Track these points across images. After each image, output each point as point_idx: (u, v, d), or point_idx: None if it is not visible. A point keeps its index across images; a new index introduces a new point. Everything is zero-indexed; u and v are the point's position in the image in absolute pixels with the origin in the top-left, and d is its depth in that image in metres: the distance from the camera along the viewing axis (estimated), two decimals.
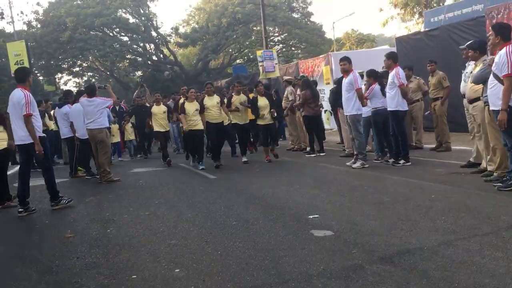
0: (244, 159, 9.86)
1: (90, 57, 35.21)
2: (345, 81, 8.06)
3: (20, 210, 6.19)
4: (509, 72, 5.15)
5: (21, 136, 6.16)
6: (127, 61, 36.36)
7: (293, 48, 38.67)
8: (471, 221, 4.27)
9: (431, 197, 5.32)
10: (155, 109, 11.36)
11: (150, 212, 5.78)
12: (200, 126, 9.45)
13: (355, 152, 8.05)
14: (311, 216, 4.88)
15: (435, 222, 4.34)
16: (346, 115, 8.27)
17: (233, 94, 10.93)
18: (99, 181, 8.66)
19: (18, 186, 6.33)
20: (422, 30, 17.95)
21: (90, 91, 8.37)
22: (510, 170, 5.48)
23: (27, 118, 6.03)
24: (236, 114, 10.35)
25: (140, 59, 35.82)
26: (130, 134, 13.65)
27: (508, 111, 5.19)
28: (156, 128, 11.32)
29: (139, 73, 39.49)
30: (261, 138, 10.38)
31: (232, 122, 10.53)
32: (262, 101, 9.64)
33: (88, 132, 8.42)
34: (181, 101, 10.21)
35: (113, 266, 3.85)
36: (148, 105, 12.39)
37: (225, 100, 10.34)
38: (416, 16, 24.38)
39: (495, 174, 5.96)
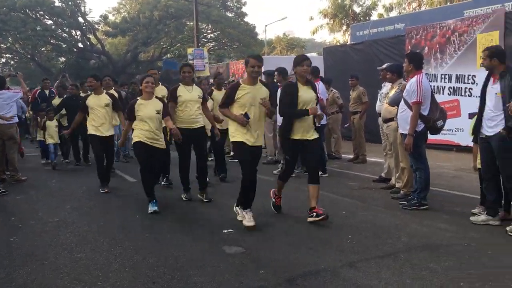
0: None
1: (9, 39, 33.10)
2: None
3: None
4: (418, 100, 5.50)
5: None
6: (50, 46, 34.52)
7: (225, 47, 38.64)
8: (374, 241, 4.51)
9: (342, 214, 5.56)
10: (92, 100, 7.31)
11: (59, 219, 5.52)
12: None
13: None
14: (225, 231, 4.92)
15: (342, 241, 4.53)
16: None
17: (213, 88, 8.52)
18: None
19: None
20: (349, 42, 18.66)
21: None
22: (415, 190, 5.85)
23: None
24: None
25: (64, 45, 34.13)
26: (53, 136, 9.74)
27: (414, 135, 5.55)
28: (92, 131, 7.23)
29: (62, 59, 37.66)
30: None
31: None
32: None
33: None
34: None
35: (13, 282, 3.65)
36: (82, 95, 9.25)
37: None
38: (344, 27, 25.29)
39: (401, 191, 6.35)
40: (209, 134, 7.18)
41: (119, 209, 5.99)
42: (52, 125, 9.82)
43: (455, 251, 4.20)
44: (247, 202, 5.11)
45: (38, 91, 12.20)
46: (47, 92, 11.96)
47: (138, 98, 6.07)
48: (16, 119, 8.04)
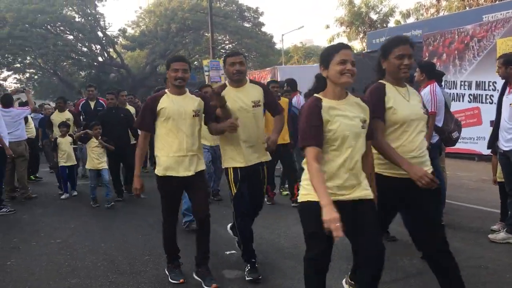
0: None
1: (32, 55, 33.74)
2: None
3: None
4: (432, 110, 5.21)
5: None
6: (71, 61, 35.06)
7: (245, 54, 38.50)
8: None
9: None
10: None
11: (61, 240, 5.40)
12: None
13: None
14: (228, 252, 4.71)
15: (346, 264, 4.27)
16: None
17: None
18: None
19: None
20: (366, 50, 18.36)
21: (6, 101, 7.74)
22: None
23: None
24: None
25: (84, 59, 34.62)
26: (68, 155, 7.98)
27: (429, 148, 5.24)
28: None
29: (83, 73, 38.21)
30: None
31: None
32: None
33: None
34: None
35: None
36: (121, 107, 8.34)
37: None
38: (361, 35, 24.95)
39: None
40: None
41: (122, 229, 5.82)
42: (65, 141, 8.01)
43: (470, 275, 3.88)
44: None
45: (82, 102, 9.43)
46: (92, 104, 9.20)
47: None
48: (24, 137, 8.02)
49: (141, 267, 4.37)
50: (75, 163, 8.28)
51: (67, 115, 8.64)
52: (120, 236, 5.51)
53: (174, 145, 3.77)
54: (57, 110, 8.92)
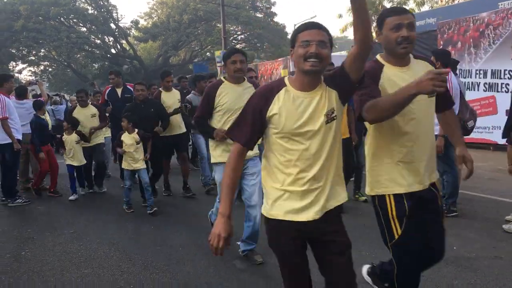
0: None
1: (46, 47, 34.02)
2: None
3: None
4: None
5: None
6: (84, 53, 35.29)
7: (258, 44, 38.26)
8: None
9: (363, 225, 5.25)
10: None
11: (74, 230, 5.45)
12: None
13: None
14: (239, 242, 4.70)
15: (359, 255, 4.25)
16: None
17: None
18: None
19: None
20: None
21: (20, 93, 7.79)
22: (443, 196, 5.47)
23: (3, 121, 6.60)
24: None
25: (97, 52, 34.82)
26: (74, 155, 7.29)
27: (445, 136, 5.16)
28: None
29: (96, 65, 38.47)
30: None
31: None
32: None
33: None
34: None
35: None
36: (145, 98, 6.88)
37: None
38: (374, 24, 24.62)
39: None
40: None
41: (135, 221, 5.85)
42: (70, 140, 7.26)
43: (483, 266, 3.85)
44: None
45: (108, 90, 8.28)
46: (119, 91, 8.06)
47: None
48: None
49: (153, 258, 4.39)
50: (83, 163, 7.37)
51: (91, 110, 7.58)
52: (132, 227, 5.55)
53: None
54: (78, 105, 7.67)
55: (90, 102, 7.96)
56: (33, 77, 34.44)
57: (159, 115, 6.77)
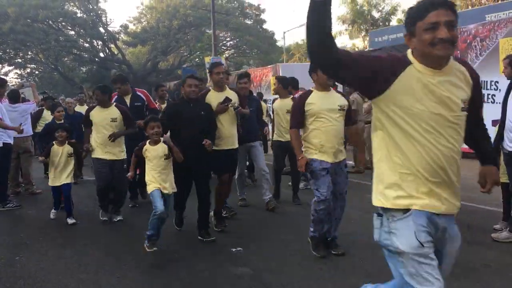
0: None
1: (33, 50, 33.73)
2: None
3: None
4: None
5: None
6: (72, 56, 35.08)
7: (247, 51, 38.36)
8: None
9: (358, 231, 5.34)
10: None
11: (68, 235, 5.45)
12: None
13: None
14: (234, 249, 4.76)
15: (353, 262, 4.33)
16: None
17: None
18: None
19: None
20: (368, 49, 18.38)
21: (13, 96, 7.74)
22: None
23: None
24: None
25: (86, 55, 34.63)
26: (61, 172, 6.07)
27: None
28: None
29: (84, 69, 38.24)
30: None
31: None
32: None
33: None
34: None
35: None
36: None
37: None
38: (363, 33, 24.97)
39: None
40: None
41: (130, 226, 5.87)
42: (61, 151, 6.00)
43: (472, 273, 3.95)
44: None
45: (115, 98, 6.72)
46: (127, 99, 6.86)
47: None
48: (30, 132, 8.07)
49: (150, 263, 4.42)
50: (71, 182, 6.11)
51: (113, 113, 5.97)
52: (127, 234, 5.55)
53: None
54: (98, 105, 6.08)
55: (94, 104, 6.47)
56: (19, 80, 34.05)
57: (209, 121, 5.18)
